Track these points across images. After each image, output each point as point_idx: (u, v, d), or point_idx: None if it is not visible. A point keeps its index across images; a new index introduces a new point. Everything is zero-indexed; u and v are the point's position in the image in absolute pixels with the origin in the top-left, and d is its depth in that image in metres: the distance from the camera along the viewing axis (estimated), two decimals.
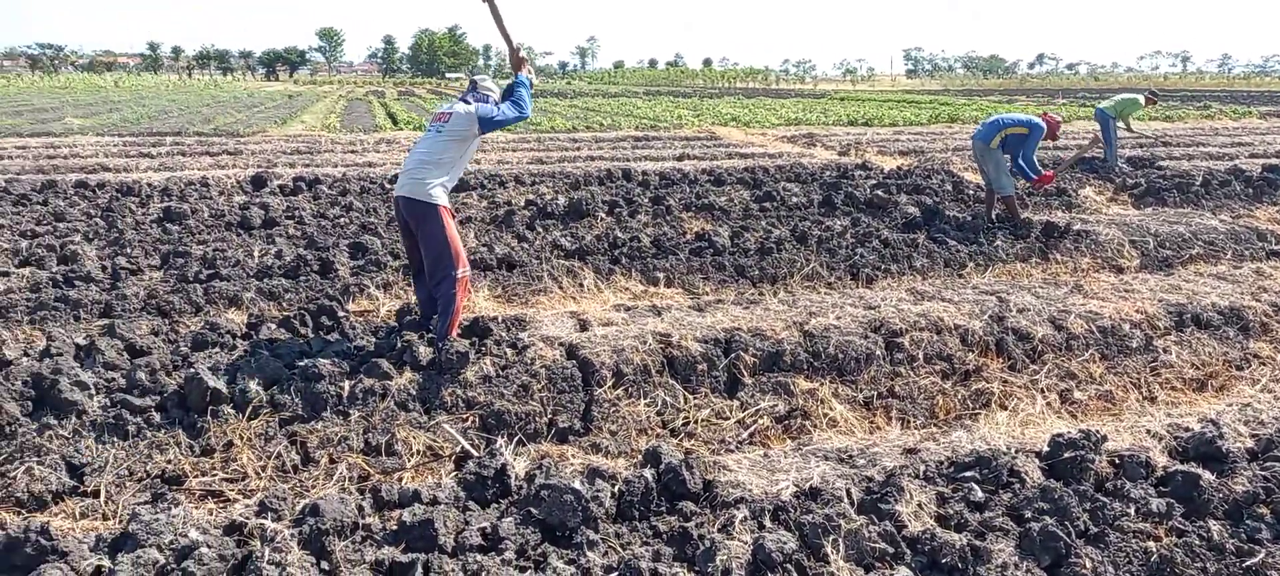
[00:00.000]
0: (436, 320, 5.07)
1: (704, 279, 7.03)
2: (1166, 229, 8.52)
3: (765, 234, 8.07)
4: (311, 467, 3.98)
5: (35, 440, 3.94)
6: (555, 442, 4.39)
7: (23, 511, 3.58)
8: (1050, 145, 8.74)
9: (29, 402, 4.21)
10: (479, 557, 2.86)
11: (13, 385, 4.28)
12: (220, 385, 4.33)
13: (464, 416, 4.45)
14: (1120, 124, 13.90)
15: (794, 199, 10.02)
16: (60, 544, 2.85)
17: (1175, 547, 2.94)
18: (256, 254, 7.39)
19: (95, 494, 3.73)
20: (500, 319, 5.36)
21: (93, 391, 4.29)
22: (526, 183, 11.54)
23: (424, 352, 4.77)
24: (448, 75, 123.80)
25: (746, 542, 2.92)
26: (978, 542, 2.92)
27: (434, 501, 3.23)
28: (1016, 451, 3.68)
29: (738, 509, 3.17)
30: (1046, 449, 3.69)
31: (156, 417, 4.19)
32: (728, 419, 4.71)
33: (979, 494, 3.30)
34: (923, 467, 3.58)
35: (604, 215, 9.19)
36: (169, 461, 3.95)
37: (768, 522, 3.10)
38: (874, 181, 11.39)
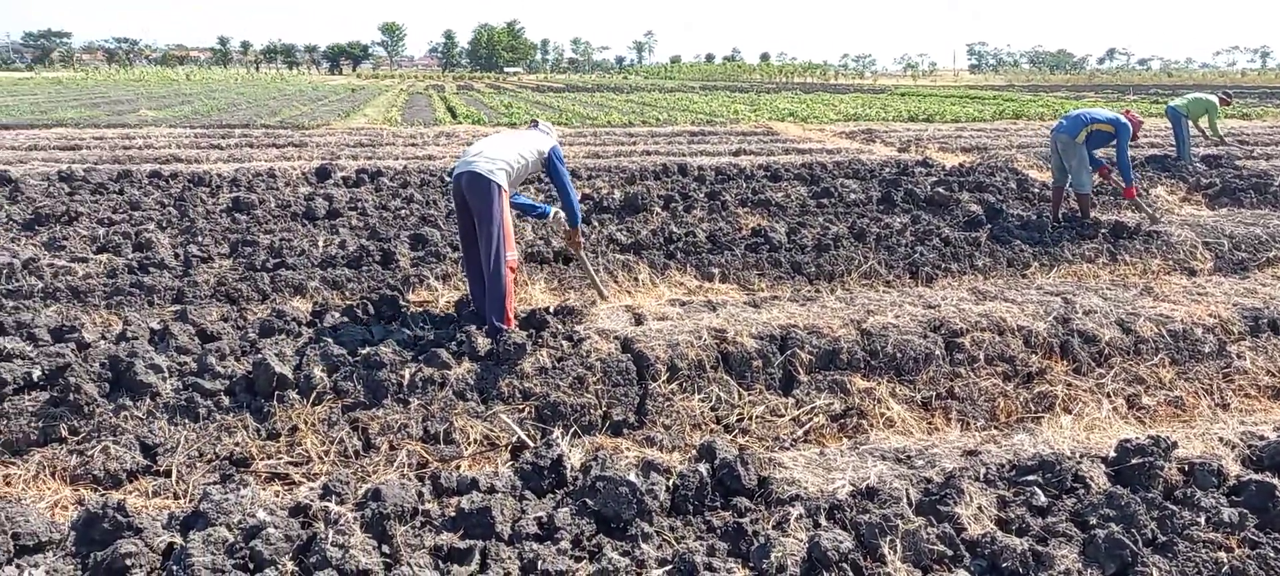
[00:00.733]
0: (489, 303, 5.18)
1: (760, 275, 6.99)
2: (1242, 230, 8.21)
3: (822, 231, 7.99)
4: (372, 453, 4.08)
5: (112, 420, 4.10)
6: (609, 435, 4.42)
7: (99, 488, 3.73)
8: (1130, 146, 8.42)
9: (106, 383, 4.38)
10: (535, 546, 2.90)
11: (91, 366, 4.46)
12: (286, 371, 4.45)
13: (520, 407, 4.50)
14: (1192, 125, 13.41)
15: (852, 195, 9.90)
16: (135, 520, 2.97)
17: (1248, 559, 2.84)
18: (321, 244, 7.57)
19: (167, 473, 3.87)
20: (556, 311, 5.41)
21: (166, 374, 4.45)
22: (582, 177, 11.61)
23: (482, 343, 4.84)
24: (506, 70, 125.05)
25: (801, 540, 2.91)
26: (1040, 547, 2.86)
27: (491, 489, 3.28)
28: (1081, 456, 3.59)
29: (793, 506, 3.15)
30: (1113, 454, 3.59)
31: (226, 401, 4.33)
32: (783, 416, 4.68)
33: (1042, 498, 3.23)
34: (983, 470, 3.51)
35: (659, 210, 9.20)
36: (237, 444, 4.08)
37: (823, 521, 3.08)
38: (935, 178, 11.19)
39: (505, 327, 5.03)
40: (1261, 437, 3.83)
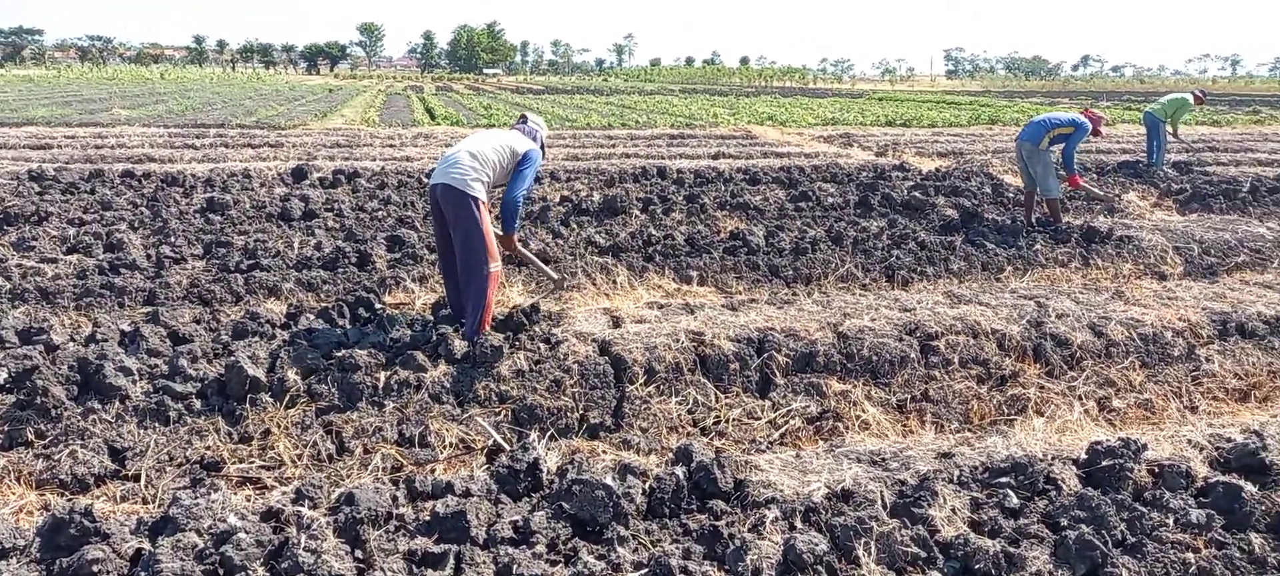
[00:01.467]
0: (469, 314, 5.12)
1: (738, 278, 7.01)
2: (1212, 235, 8.33)
3: (800, 234, 8.02)
4: (346, 457, 4.04)
5: (80, 424, 4.04)
6: (586, 438, 4.41)
7: (67, 493, 3.68)
8: (1093, 144, 8.60)
9: (74, 387, 4.32)
10: (510, 550, 2.88)
11: (59, 369, 4.39)
12: (259, 374, 4.41)
13: (496, 410, 4.48)
14: (1170, 129, 13.59)
15: (830, 199, 9.95)
16: (102, 526, 2.92)
17: (1215, 559, 2.88)
18: (296, 245, 7.50)
19: (136, 478, 3.82)
20: (534, 313, 5.39)
21: (136, 377, 4.39)
22: (562, 179, 11.59)
23: (458, 346, 4.82)
24: (485, 71, 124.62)
25: (777, 543, 2.91)
26: (1012, 549, 2.88)
27: (467, 493, 3.26)
28: (1053, 458, 3.63)
29: (769, 509, 3.16)
30: (1084, 456, 3.64)
31: (197, 404, 4.28)
32: (759, 419, 4.69)
33: (1014, 500, 3.26)
34: (957, 472, 3.54)
35: (638, 212, 9.20)
36: (208, 448, 4.04)
37: (799, 523, 3.09)
38: (911, 183, 11.28)
39: (481, 334, 4.99)
40: (1229, 440, 3.88)
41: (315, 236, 7.92)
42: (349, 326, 5.32)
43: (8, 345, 4.77)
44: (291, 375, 4.47)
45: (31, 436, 3.98)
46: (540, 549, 2.92)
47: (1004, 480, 3.40)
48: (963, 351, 5.22)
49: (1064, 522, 3.06)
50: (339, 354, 4.68)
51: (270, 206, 8.97)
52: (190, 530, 2.86)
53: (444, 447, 4.21)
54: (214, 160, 13.46)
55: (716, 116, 27.72)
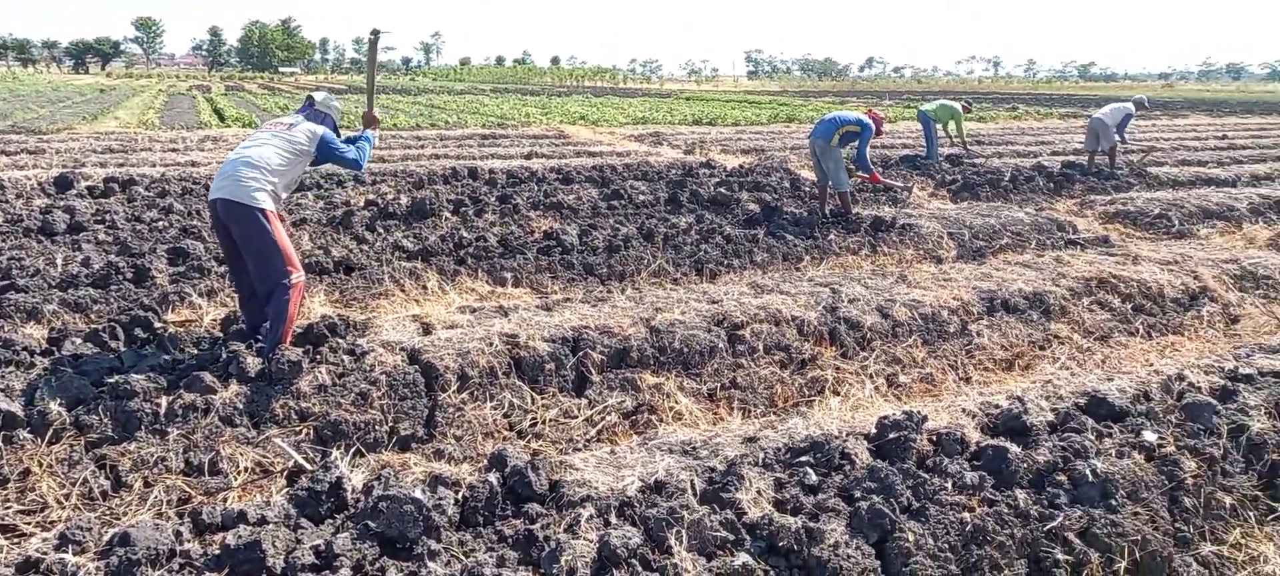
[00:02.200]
0: (266, 330, 4.78)
1: (552, 278, 7.00)
2: (979, 221, 9.20)
3: (613, 232, 8.12)
4: (124, 493, 3.67)
5: None
6: (397, 451, 4.25)
7: None
8: (877, 141, 9.30)
9: None
10: None
11: None
12: (14, 408, 3.92)
13: (297, 429, 4.22)
14: (940, 128, 14.92)
15: (641, 197, 10.15)
16: None
17: (986, 516, 3.18)
18: (60, 262, 6.74)
19: None
20: (337, 324, 5.13)
21: None
22: (366, 182, 11.12)
23: (252, 363, 4.50)
24: (281, 70, 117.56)
25: (592, 540, 2.92)
26: (812, 524, 3.04)
27: (262, 521, 3.05)
28: (847, 434, 3.87)
29: (584, 507, 3.16)
30: (874, 431, 3.90)
31: None
32: (576, 417, 4.70)
33: (813, 477, 3.44)
34: (762, 455, 3.70)
35: (449, 215, 8.98)
36: None
37: (613, 519, 3.12)
38: (717, 179, 11.71)
39: (279, 351, 4.66)
40: (996, 406, 4.29)
41: (83, 251, 7.15)
42: (123, 349, 4.84)
43: None
44: (55, 406, 4.00)
45: None
46: (345, 573, 2.77)
47: (804, 459, 3.59)
48: (766, 339, 5.46)
49: (857, 494, 3.27)
50: (112, 380, 4.24)
51: (29, 220, 8.00)
52: None
53: (238, 474, 3.92)
54: None
55: (529, 116, 27.59)
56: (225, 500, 3.69)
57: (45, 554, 2.74)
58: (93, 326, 5.29)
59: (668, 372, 5.11)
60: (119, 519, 3.46)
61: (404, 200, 9.25)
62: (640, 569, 2.81)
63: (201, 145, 15.76)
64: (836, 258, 7.86)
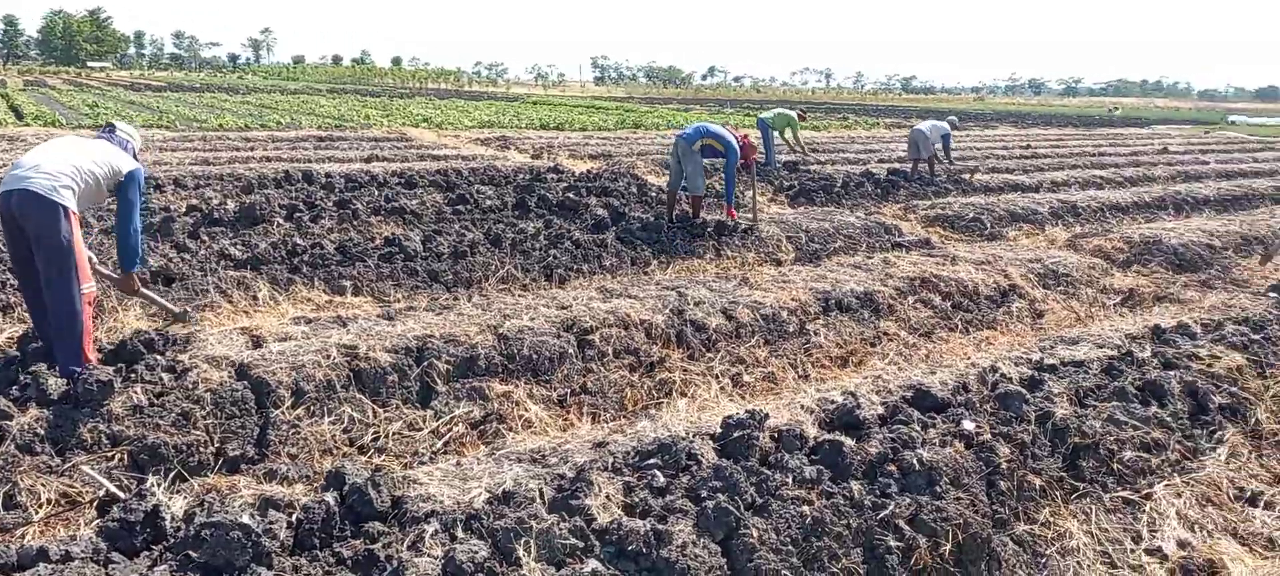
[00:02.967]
0: (59, 347, 4.34)
1: (395, 286, 6.76)
2: (815, 225, 9.64)
3: (459, 237, 7.94)
4: None
5: None
6: (225, 473, 3.97)
7: None
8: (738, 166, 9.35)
9: None
10: None
11: None
12: None
13: (109, 454, 3.87)
14: (778, 135, 15.57)
15: (488, 202, 9.99)
16: None
17: (825, 509, 3.32)
18: None
19: None
20: (154, 340, 4.74)
21: None
22: (189, 186, 10.39)
23: (54, 384, 4.09)
24: (90, 64, 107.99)
25: (437, 557, 2.83)
26: (660, 526, 3.08)
27: (66, 557, 2.77)
28: (694, 435, 3.94)
29: (428, 523, 3.06)
30: (719, 430, 4.00)
31: None
32: (422, 430, 4.56)
33: (661, 479, 3.48)
34: (611, 459, 3.71)
35: (282, 221, 8.51)
36: None
37: (459, 533, 3.03)
38: (566, 184, 11.69)
39: (84, 367, 4.26)
40: (832, 402, 4.50)
41: None
42: None
43: None
44: None
45: None
46: None
47: (652, 461, 3.63)
48: (616, 343, 5.50)
49: (704, 494, 3.33)
50: None
51: None
52: None
53: (40, 507, 3.55)
54: None
55: (369, 118, 26.64)
56: (23, 537, 3.33)
57: None
58: None
59: (517, 380, 5.04)
60: None
61: (231, 205, 8.70)
62: None
63: None
64: (683, 261, 8.03)
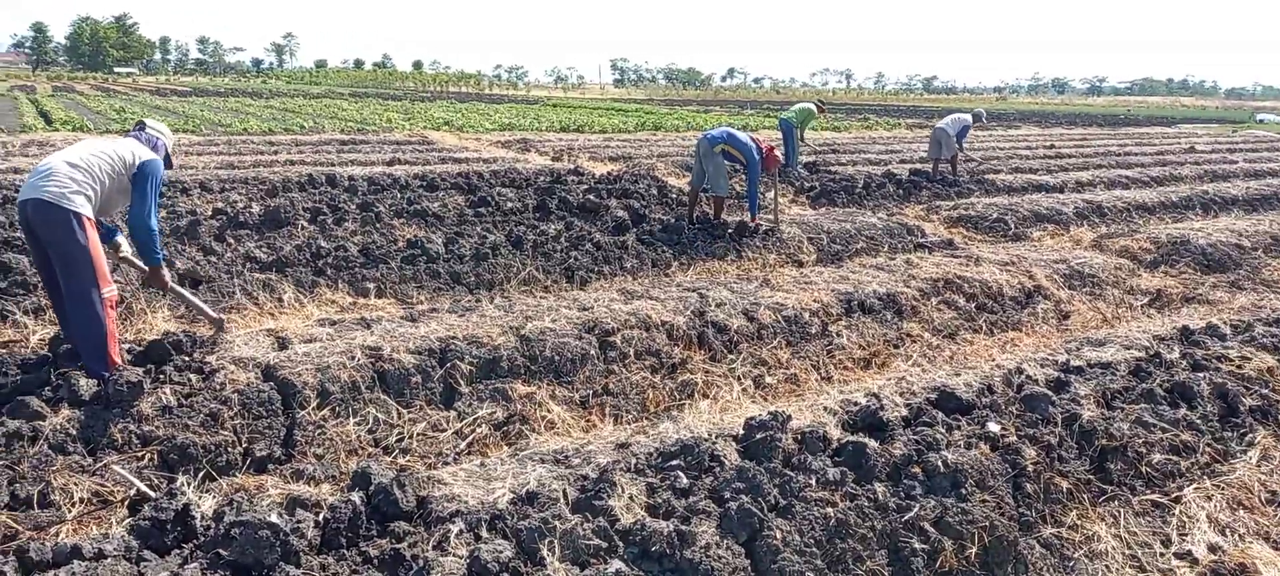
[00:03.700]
0: (84, 350, 4.38)
1: (418, 288, 6.81)
2: (836, 226, 9.60)
3: (481, 239, 7.99)
4: None
5: None
6: (252, 473, 4.02)
7: None
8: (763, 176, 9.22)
9: None
10: None
11: None
12: None
13: (140, 454, 3.93)
14: (800, 134, 15.51)
15: (509, 204, 10.03)
16: None
17: (849, 510, 3.30)
18: None
19: None
20: (182, 341, 4.81)
21: None
22: (215, 189, 10.51)
23: (86, 385, 4.15)
24: (117, 70, 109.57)
25: (462, 557, 2.85)
26: (683, 527, 3.08)
27: (99, 555, 2.81)
28: (716, 436, 3.94)
29: (453, 523, 3.09)
30: (742, 432, 3.99)
31: None
32: (445, 431, 4.59)
33: (684, 480, 3.49)
34: (634, 460, 3.72)
35: (306, 223, 8.59)
36: None
37: (484, 533, 3.05)
38: (586, 186, 11.71)
39: (111, 371, 4.30)
40: (855, 404, 4.48)
41: None
42: None
43: None
44: None
45: None
46: None
47: (675, 462, 3.63)
48: (637, 344, 5.51)
49: (727, 495, 3.33)
50: None
51: None
52: None
53: (73, 505, 3.61)
54: None
55: (391, 121, 26.84)
56: (57, 535, 3.39)
57: None
58: None
59: (539, 381, 5.06)
60: None
61: (256, 208, 8.79)
62: None
63: (25, 150, 14.50)
64: (703, 263, 8.02)
